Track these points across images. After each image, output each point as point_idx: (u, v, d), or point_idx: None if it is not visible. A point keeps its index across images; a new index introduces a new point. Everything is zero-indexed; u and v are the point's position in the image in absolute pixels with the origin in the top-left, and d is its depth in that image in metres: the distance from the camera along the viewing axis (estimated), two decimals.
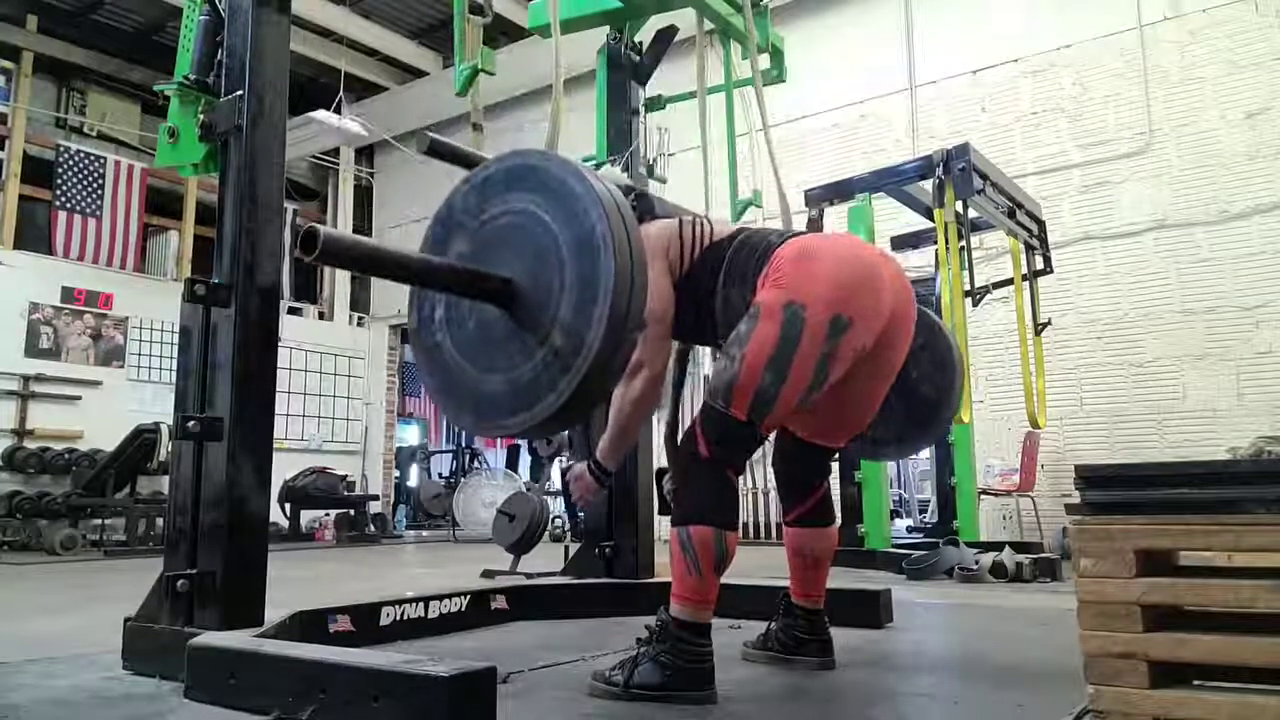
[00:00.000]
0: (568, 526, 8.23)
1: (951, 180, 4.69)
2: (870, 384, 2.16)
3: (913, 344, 2.24)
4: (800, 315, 1.88)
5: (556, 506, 8.67)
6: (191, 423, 2.19)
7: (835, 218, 5.75)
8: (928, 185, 5.14)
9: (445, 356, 1.69)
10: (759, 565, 5.62)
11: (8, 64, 8.79)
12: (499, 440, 14.92)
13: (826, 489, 2.40)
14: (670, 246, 2.13)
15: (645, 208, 2.27)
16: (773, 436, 2.31)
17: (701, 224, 2.20)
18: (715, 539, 1.91)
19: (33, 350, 8.27)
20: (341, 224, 11.43)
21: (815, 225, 5.57)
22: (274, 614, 2.23)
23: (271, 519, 3.82)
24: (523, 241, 1.56)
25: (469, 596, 3.02)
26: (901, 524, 9.77)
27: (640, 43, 3.76)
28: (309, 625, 2.38)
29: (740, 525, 7.85)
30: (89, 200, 8.86)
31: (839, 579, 4.49)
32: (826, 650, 2.32)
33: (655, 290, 2.00)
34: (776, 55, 3.89)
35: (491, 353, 1.59)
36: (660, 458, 2.63)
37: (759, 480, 8.20)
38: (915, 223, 6.32)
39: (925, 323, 2.60)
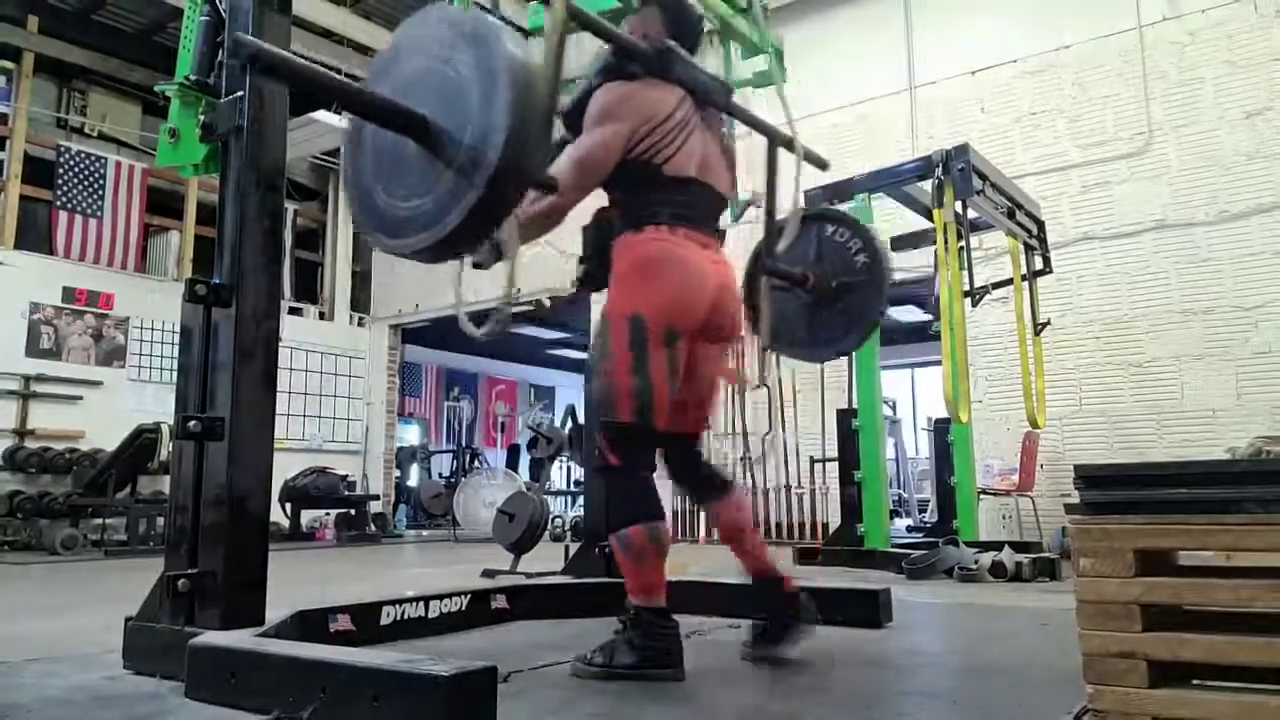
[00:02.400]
0: (568, 526, 8.24)
1: (951, 180, 4.70)
2: (707, 369, 2.41)
3: (844, 244, 2.82)
4: (643, 325, 2.17)
5: (556, 506, 8.68)
6: (192, 422, 2.20)
7: None
8: (927, 186, 5.14)
9: (367, 179, 1.91)
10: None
11: (9, 64, 8.79)
12: (499, 442, 14.96)
13: (710, 465, 2.56)
14: (644, 124, 2.23)
15: (660, 64, 2.27)
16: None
17: (672, 140, 2.25)
18: (648, 532, 2.15)
19: (34, 350, 8.27)
20: (342, 223, 11.43)
21: None
22: (275, 614, 2.24)
23: (272, 519, 3.83)
24: (444, 86, 1.76)
25: (469, 596, 3.02)
26: (901, 523, 9.78)
27: None
28: (309, 625, 2.39)
29: (763, 525, 7.95)
30: (90, 200, 8.86)
31: (839, 579, 4.51)
32: (797, 622, 2.37)
33: (598, 151, 2.20)
34: (776, 56, 3.89)
35: (405, 179, 1.82)
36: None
37: (758, 480, 8.21)
38: (915, 223, 6.32)
39: (850, 224, 3.04)
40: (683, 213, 2.27)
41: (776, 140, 2.70)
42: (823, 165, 3.03)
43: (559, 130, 2.27)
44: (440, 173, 1.74)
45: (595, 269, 2.38)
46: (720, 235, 2.43)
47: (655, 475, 2.32)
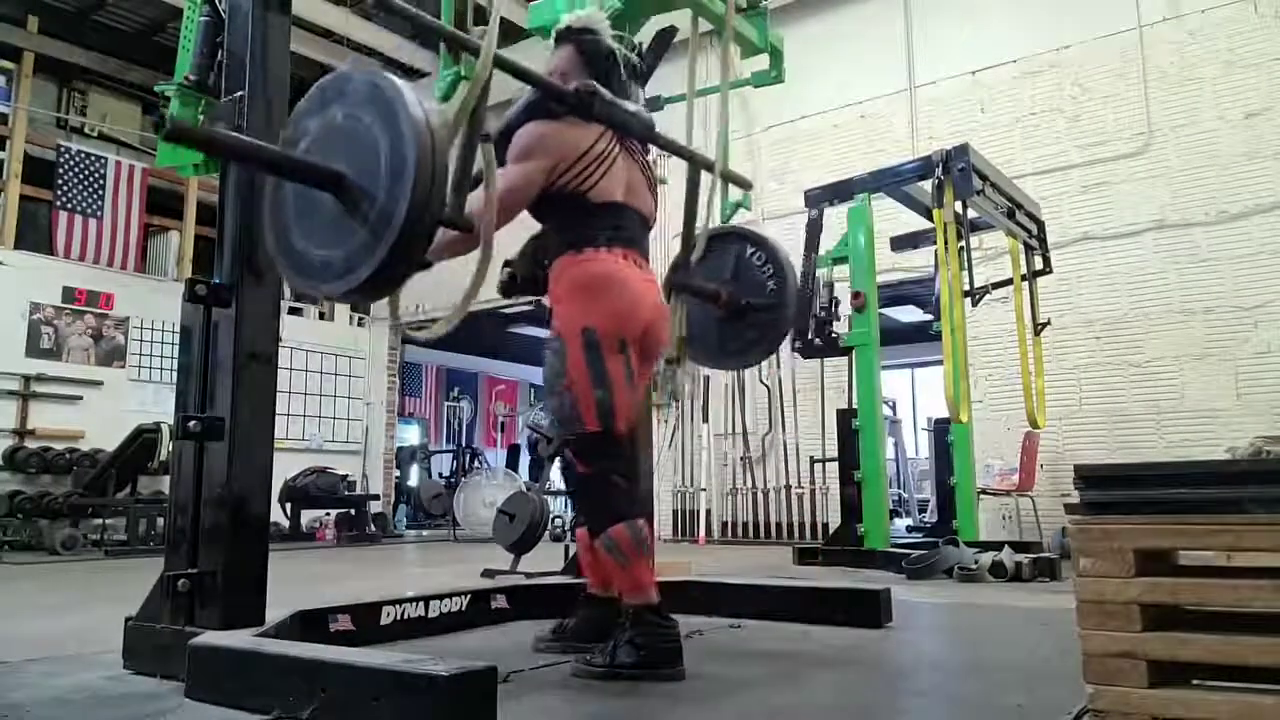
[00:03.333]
0: (568, 526, 8.25)
1: (951, 180, 4.70)
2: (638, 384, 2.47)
3: (760, 266, 3.01)
4: (595, 337, 2.27)
5: (556, 506, 8.69)
6: (192, 422, 2.20)
7: (835, 218, 5.76)
8: (927, 185, 5.15)
9: (285, 225, 1.99)
10: (758, 565, 5.64)
11: (9, 64, 8.80)
12: (499, 442, 14.96)
13: None
14: (563, 160, 2.35)
15: (582, 106, 2.39)
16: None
17: (594, 171, 2.37)
18: (629, 529, 2.21)
19: (34, 350, 8.27)
20: None
21: (815, 226, 5.58)
22: (275, 614, 2.24)
23: (272, 519, 3.83)
24: (356, 143, 1.86)
25: (469, 596, 3.02)
26: (901, 523, 9.79)
27: (640, 43, 3.76)
28: (310, 625, 2.39)
29: (763, 525, 7.96)
30: (90, 200, 8.87)
31: (839, 579, 4.51)
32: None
33: (520, 182, 2.30)
34: (775, 56, 3.89)
35: (325, 231, 1.91)
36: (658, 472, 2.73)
37: (759, 480, 8.21)
38: (915, 223, 6.32)
39: (766, 246, 3.16)
40: (617, 235, 2.40)
41: (695, 162, 2.87)
42: (745, 185, 3.27)
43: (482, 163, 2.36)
44: (354, 227, 1.84)
45: (524, 277, 2.50)
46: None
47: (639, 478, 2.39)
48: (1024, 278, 5.81)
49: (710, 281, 3.12)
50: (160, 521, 7.02)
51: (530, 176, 2.32)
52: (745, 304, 3.09)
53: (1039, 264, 5.82)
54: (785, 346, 3.66)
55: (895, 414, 11.66)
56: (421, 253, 1.87)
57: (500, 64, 2.20)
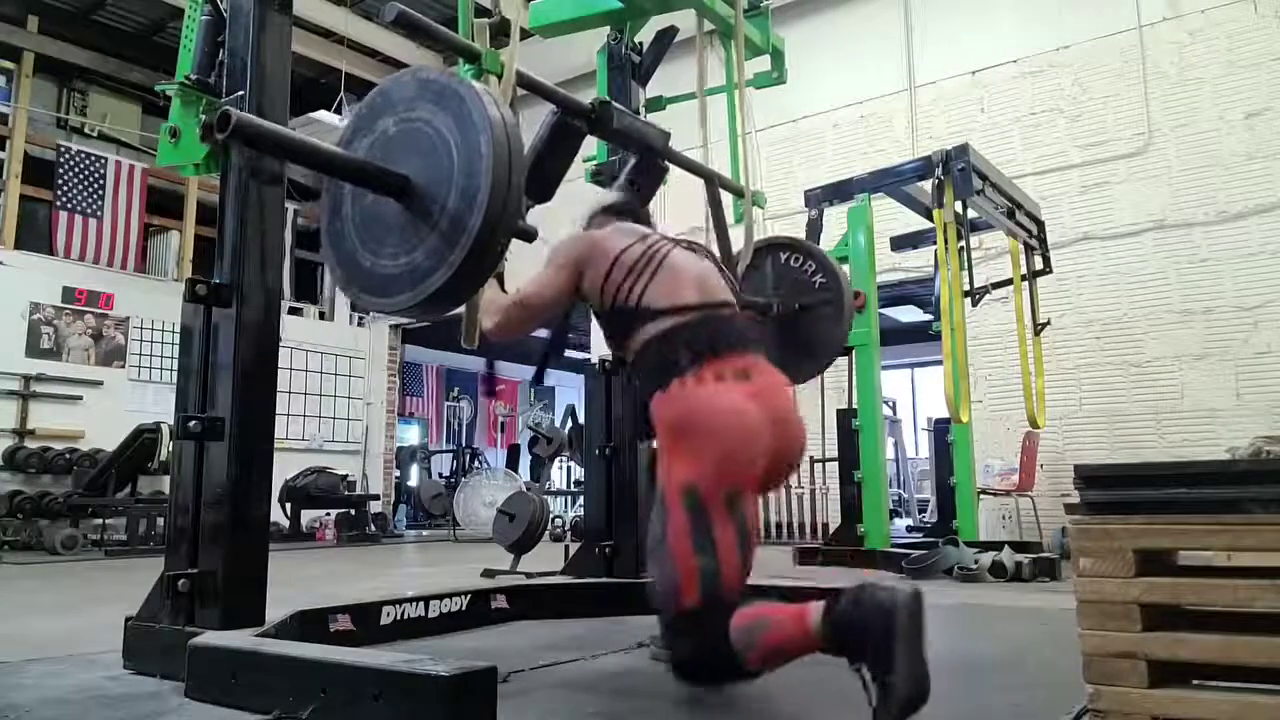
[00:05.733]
0: (568, 526, 8.25)
1: (951, 180, 4.70)
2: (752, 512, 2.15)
3: (800, 268, 3.01)
4: (698, 495, 1.91)
5: (556, 506, 8.69)
6: (193, 422, 2.20)
7: (835, 218, 5.76)
8: (927, 186, 5.15)
9: (349, 244, 1.94)
10: (758, 565, 5.63)
11: (9, 64, 8.79)
12: (499, 442, 14.96)
13: None
14: (590, 268, 2.15)
15: (601, 118, 2.42)
16: None
17: (642, 272, 2.12)
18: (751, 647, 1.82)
19: (34, 350, 8.26)
20: None
21: (815, 226, 5.59)
22: (275, 613, 2.24)
23: (272, 519, 3.83)
24: (423, 145, 1.78)
25: (469, 596, 3.02)
26: (901, 523, 9.79)
27: (641, 43, 3.77)
28: (310, 625, 2.39)
29: (763, 525, 7.92)
30: (90, 200, 8.86)
31: (839, 579, 4.50)
32: None
33: (543, 285, 2.17)
34: (777, 56, 3.89)
35: (388, 239, 1.83)
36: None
37: None
38: (915, 223, 6.32)
39: (802, 248, 3.19)
40: (701, 348, 2.02)
41: (715, 182, 2.89)
42: (760, 203, 3.28)
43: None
44: (423, 233, 1.76)
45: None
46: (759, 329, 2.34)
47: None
48: (1024, 278, 5.81)
49: (757, 297, 3.13)
50: (160, 521, 7.01)
51: (552, 286, 2.17)
52: (799, 307, 3.08)
53: (1039, 264, 5.82)
54: None
55: (895, 414, 11.66)
56: (499, 259, 1.80)
57: (522, 81, 2.24)
